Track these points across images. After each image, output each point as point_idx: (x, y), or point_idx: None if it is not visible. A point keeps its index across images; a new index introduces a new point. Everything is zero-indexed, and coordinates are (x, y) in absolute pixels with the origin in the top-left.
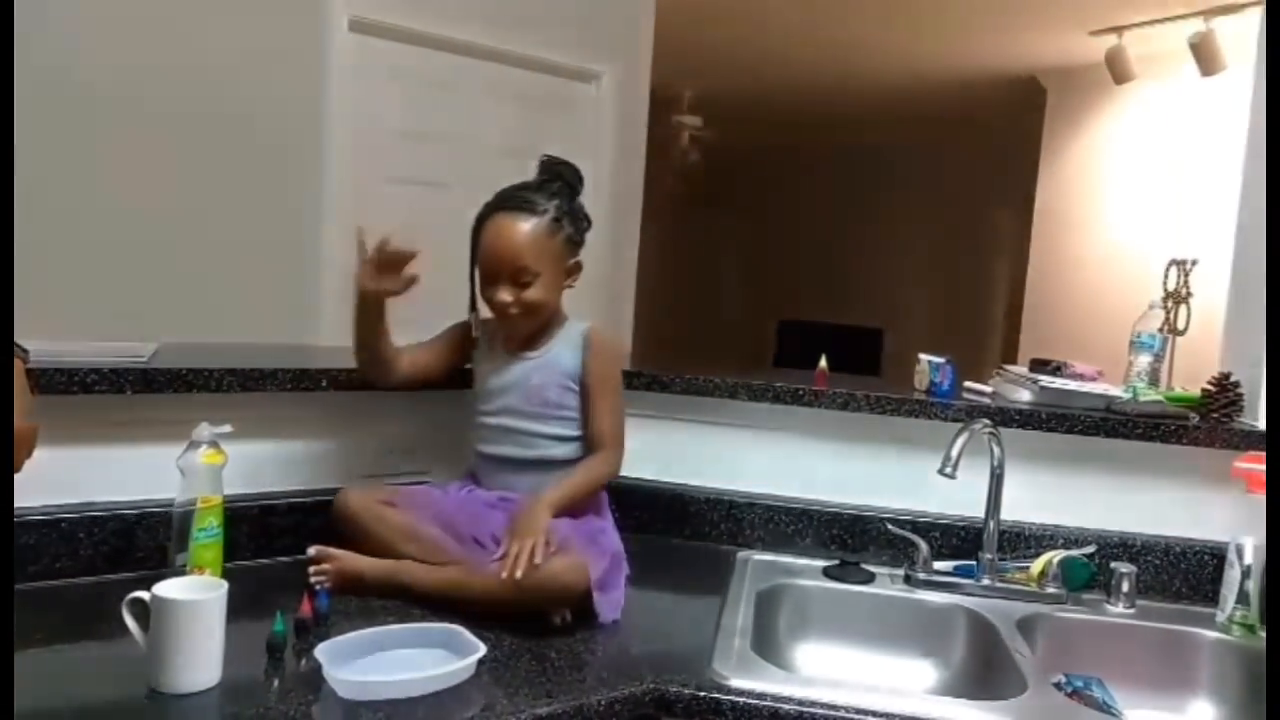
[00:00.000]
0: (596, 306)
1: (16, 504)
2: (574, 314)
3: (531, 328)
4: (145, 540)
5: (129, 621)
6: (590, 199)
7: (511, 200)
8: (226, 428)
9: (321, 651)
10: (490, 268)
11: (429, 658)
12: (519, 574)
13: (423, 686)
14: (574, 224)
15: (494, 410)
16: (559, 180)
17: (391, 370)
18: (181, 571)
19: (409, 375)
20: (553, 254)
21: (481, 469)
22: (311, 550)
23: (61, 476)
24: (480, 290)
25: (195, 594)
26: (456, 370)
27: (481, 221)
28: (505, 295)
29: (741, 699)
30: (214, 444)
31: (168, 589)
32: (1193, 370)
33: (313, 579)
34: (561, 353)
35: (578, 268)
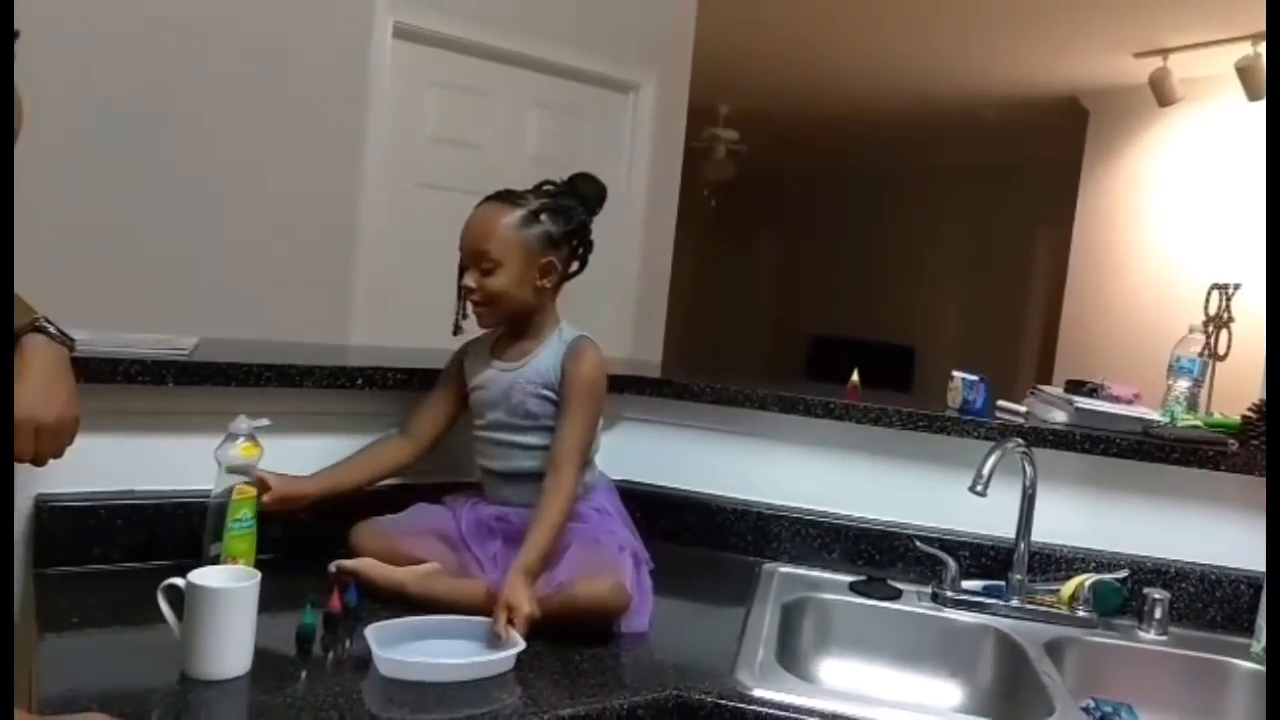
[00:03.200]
0: (628, 315)
1: (58, 489)
2: (602, 321)
3: (499, 319)
4: (182, 529)
5: (164, 608)
6: (625, 208)
7: (498, 193)
8: (264, 421)
9: (370, 631)
10: (461, 252)
11: (470, 650)
12: (522, 642)
13: (462, 673)
14: (557, 221)
15: (484, 424)
16: (569, 189)
17: (408, 464)
18: (215, 561)
19: (427, 448)
20: (521, 245)
21: (483, 480)
22: (332, 567)
23: (102, 464)
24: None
25: (229, 583)
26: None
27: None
28: (469, 281)
29: (764, 709)
30: (251, 437)
31: (203, 577)
32: (1234, 396)
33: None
34: (545, 362)
35: (553, 267)
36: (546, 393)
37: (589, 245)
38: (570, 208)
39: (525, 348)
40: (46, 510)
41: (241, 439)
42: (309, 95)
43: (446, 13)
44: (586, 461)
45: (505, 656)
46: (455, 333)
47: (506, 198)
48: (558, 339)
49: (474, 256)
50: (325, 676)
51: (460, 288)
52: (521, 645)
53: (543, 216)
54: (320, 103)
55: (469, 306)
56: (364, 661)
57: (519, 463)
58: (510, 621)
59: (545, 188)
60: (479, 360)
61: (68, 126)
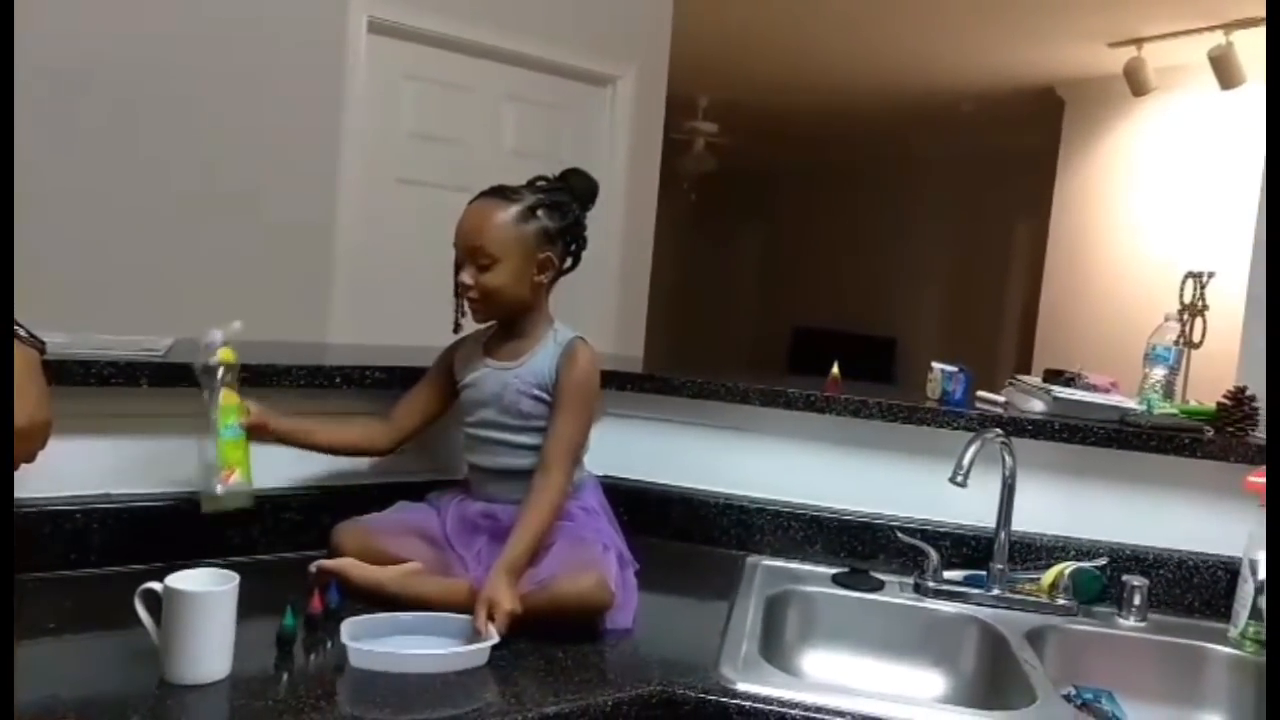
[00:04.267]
0: (610, 309)
1: (32, 494)
2: (583, 316)
3: (494, 315)
4: (158, 532)
5: (141, 612)
6: (604, 202)
7: (492, 189)
8: (236, 324)
9: (345, 624)
10: (456, 249)
11: (446, 644)
12: (497, 636)
13: (434, 664)
14: (553, 217)
15: (474, 421)
16: (563, 185)
17: (381, 449)
18: (213, 471)
19: (403, 439)
20: (518, 242)
21: (470, 477)
22: (312, 568)
23: (76, 468)
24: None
25: (207, 586)
26: (452, 400)
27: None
28: (465, 278)
29: (748, 703)
30: (226, 344)
31: (180, 581)
32: (1209, 383)
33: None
34: (540, 362)
35: (550, 264)
36: (540, 393)
37: (583, 241)
38: (565, 203)
39: (520, 347)
40: (21, 515)
41: (219, 347)
42: (284, 91)
43: (421, 7)
44: (577, 462)
45: (478, 649)
46: (455, 330)
47: (501, 193)
48: (553, 340)
49: (470, 252)
50: (306, 678)
51: (456, 284)
52: (496, 639)
53: (539, 212)
54: (295, 98)
55: (465, 303)
56: (345, 663)
57: (508, 460)
58: (491, 618)
59: (539, 183)
60: (471, 358)
61: (40, 126)
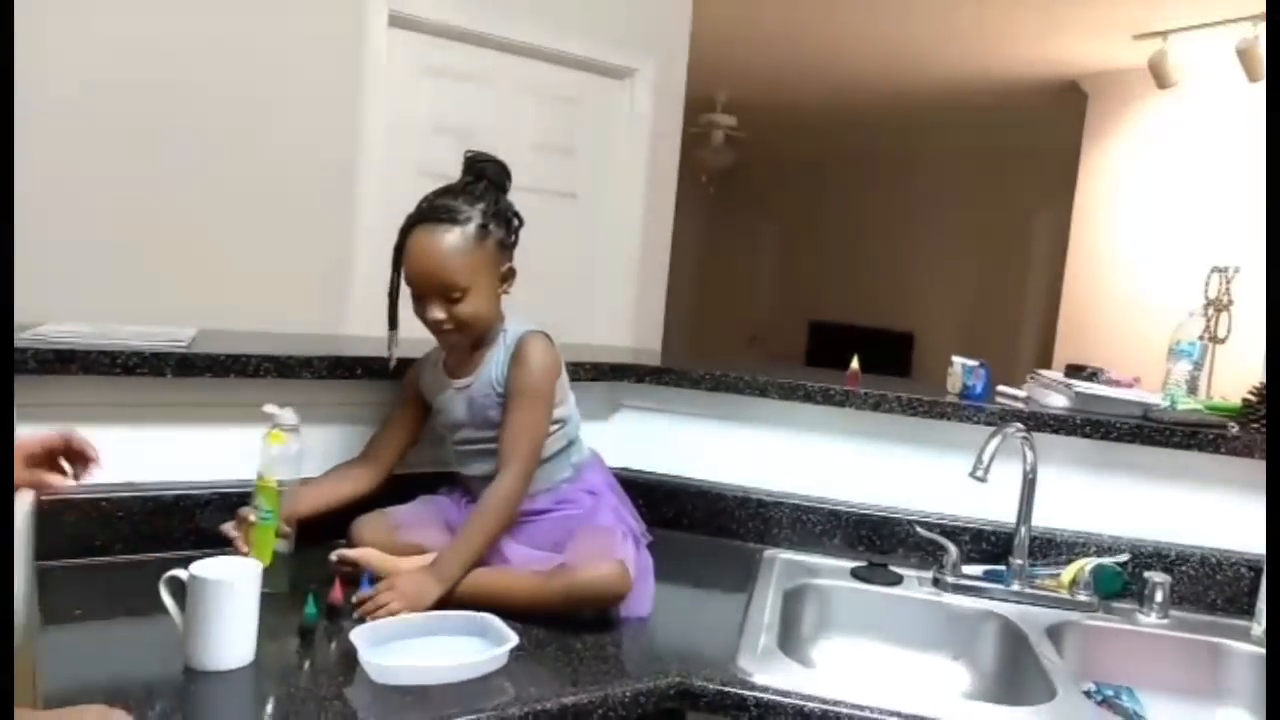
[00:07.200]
0: (628, 302)
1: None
2: (601, 309)
3: (468, 341)
4: (183, 520)
5: (166, 600)
6: (623, 195)
7: (433, 212)
8: (290, 415)
9: (357, 634)
10: (418, 286)
11: (462, 646)
12: (368, 619)
13: (454, 674)
14: (503, 226)
15: (458, 440)
16: (483, 180)
17: (373, 487)
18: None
19: (387, 473)
20: (483, 264)
21: (469, 485)
22: (333, 556)
23: (102, 457)
24: (413, 308)
25: (231, 574)
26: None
27: (404, 236)
28: (437, 313)
29: (766, 695)
30: (278, 426)
31: (205, 569)
32: (1234, 379)
33: (334, 564)
34: (494, 369)
35: (512, 273)
36: (499, 399)
37: (518, 232)
38: (509, 208)
39: (477, 358)
40: (48, 503)
41: (271, 425)
42: (304, 83)
43: (440, 0)
44: (537, 455)
45: (498, 654)
46: (391, 367)
47: (446, 215)
48: (502, 343)
49: (440, 289)
50: (328, 667)
51: (393, 315)
52: (514, 640)
53: (490, 226)
54: (316, 92)
55: (416, 331)
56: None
57: (491, 467)
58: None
59: (469, 186)
60: (435, 381)
61: (64, 122)
